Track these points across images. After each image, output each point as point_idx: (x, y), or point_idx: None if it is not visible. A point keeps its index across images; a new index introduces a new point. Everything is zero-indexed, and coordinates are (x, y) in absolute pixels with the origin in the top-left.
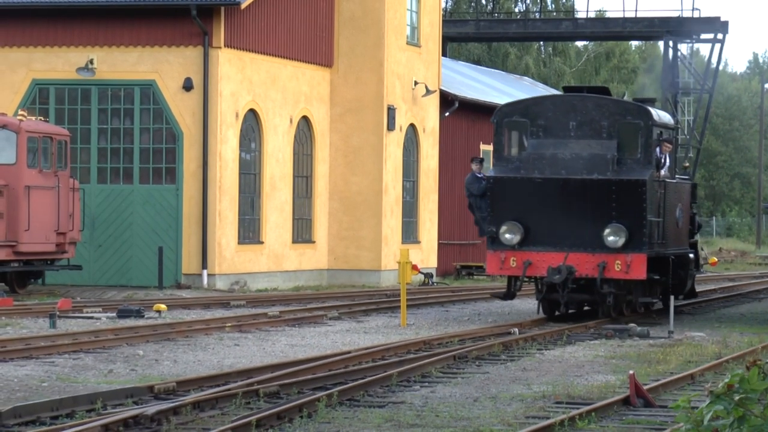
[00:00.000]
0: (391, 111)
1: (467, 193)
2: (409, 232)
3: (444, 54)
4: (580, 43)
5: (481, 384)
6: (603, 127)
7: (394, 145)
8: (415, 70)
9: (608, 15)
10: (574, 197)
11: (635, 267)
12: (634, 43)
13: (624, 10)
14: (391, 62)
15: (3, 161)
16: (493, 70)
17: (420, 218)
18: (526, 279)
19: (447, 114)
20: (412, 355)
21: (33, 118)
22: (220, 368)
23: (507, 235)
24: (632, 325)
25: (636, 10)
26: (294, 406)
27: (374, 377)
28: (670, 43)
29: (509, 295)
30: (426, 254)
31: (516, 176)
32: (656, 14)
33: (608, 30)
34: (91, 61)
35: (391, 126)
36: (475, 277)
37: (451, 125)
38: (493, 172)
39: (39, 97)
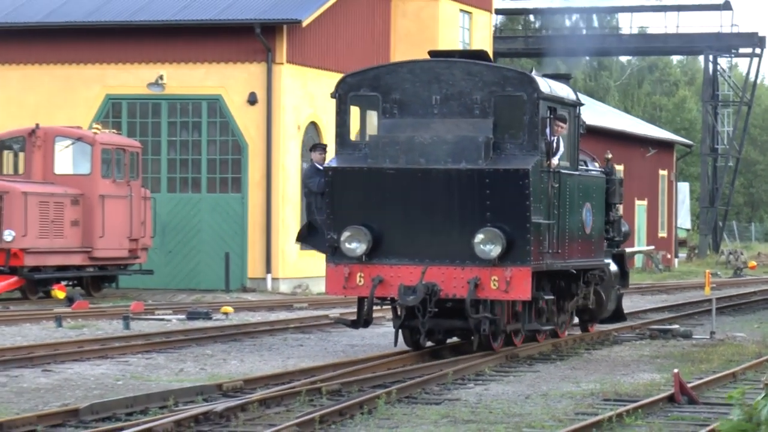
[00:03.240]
0: None
1: (304, 190)
2: None
3: None
4: (624, 58)
5: (532, 382)
6: (475, 101)
7: None
8: None
9: (650, 31)
10: (437, 193)
11: (517, 284)
12: (676, 58)
13: (666, 26)
14: None
15: (79, 172)
16: None
17: None
18: (377, 301)
19: None
20: (466, 355)
21: (107, 131)
22: (285, 367)
23: (350, 244)
24: (675, 326)
25: (677, 26)
26: (355, 403)
27: (431, 376)
28: (710, 58)
29: (360, 321)
30: None
31: (361, 167)
32: (697, 30)
33: (651, 45)
34: (161, 77)
35: None
36: None
37: None
38: (334, 162)
39: (112, 111)
